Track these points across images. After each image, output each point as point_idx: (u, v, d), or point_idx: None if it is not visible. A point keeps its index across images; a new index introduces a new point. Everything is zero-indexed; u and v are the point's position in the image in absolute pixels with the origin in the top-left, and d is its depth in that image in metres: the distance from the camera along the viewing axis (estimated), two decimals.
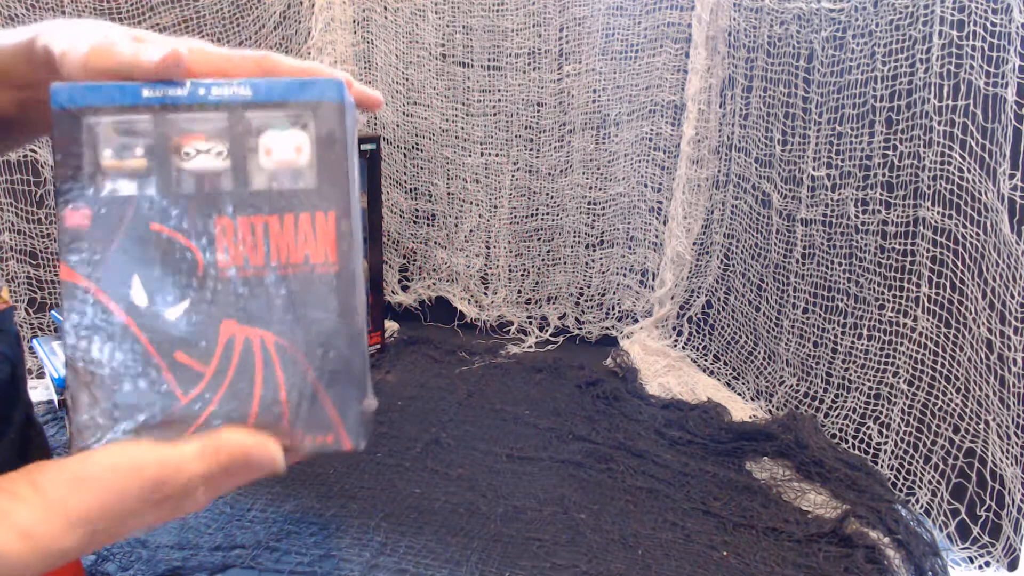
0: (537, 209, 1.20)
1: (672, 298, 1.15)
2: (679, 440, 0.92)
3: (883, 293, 0.86)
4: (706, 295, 1.13)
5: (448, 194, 1.23)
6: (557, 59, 1.14)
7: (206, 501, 0.40)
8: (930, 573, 0.72)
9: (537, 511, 0.80)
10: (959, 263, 0.77)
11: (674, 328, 1.16)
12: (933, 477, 0.80)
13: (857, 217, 0.87)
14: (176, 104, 0.39)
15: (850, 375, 0.91)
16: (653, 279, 1.18)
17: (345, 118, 0.39)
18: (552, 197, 1.19)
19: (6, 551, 0.34)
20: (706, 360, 1.12)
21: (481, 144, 1.19)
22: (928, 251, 0.80)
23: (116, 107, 0.39)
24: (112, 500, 0.36)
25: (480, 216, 1.22)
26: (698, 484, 0.84)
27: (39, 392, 1.01)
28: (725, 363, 1.09)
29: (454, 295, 1.26)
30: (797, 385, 0.97)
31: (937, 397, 0.81)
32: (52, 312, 1.05)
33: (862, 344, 0.89)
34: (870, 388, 0.88)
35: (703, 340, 1.13)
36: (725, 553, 0.74)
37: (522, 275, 1.24)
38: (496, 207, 1.21)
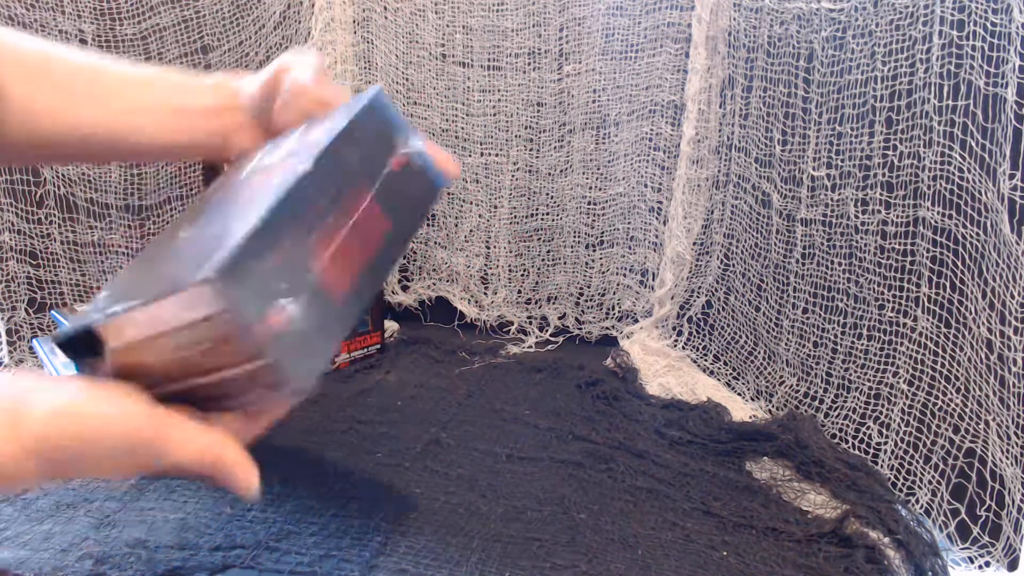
0: (537, 209, 1.20)
1: (672, 298, 1.15)
2: (679, 440, 0.92)
3: (883, 293, 0.86)
4: (706, 295, 1.13)
5: (448, 194, 1.23)
6: (557, 59, 1.14)
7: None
8: (930, 573, 0.72)
9: (537, 511, 0.80)
10: (959, 263, 0.77)
11: (674, 328, 1.16)
12: (933, 477, 0.80)
13: (857, 217, 0.87)
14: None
15: (850, 375, 0.91)
16: (653, 279, 1.18)
17: None
18: (552, 197, 1.19)
19: None
20: (706, 360, 1.12)
21: (481, 144, 1.19)
22: (928, 251, 0.80)
23: None
24: (83, 447, 0.36)
25: (480, 216, 1.22)
26: (698, 484, 0.84)
27: None
28: (725, 363, 1.09)
29: (454, 295, 1.26)
30: (797, 385, 0.97)
31: (937, 397, 0.81)
32: (52, 312, 1.05)
33: (862, 344, 0.89)
34: (870, 388, 0.88)
35: (703, 340, 1.13)
36: (725, 553, 0.74)
37: (522, 275, 1.24)
38: (496, 207, 1.21)
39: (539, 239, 1.22)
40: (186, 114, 0.57)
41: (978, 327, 0.75)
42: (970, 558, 0.75)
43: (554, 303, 1.24)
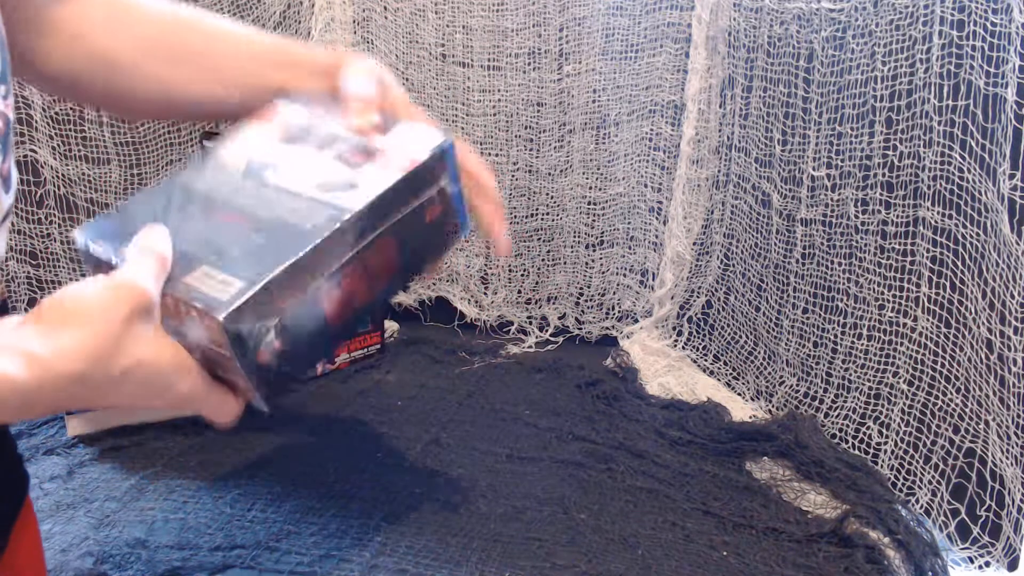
0: (537, 209, 1.20)
1: (672, 298, 1.15)
2: (679, 440, 0.92)
3: (883, 293, 0.86)
4: (706, 295, 1.13)
5: None
6: (557, 59, 1.14)
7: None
8: (930, 573, 0.72)
9: (537, 511, 0.80)
10: (959, 263, 0.77)
11: (674, 328, 1.16)
12: (933, 477, 0.80)
13: (857, 217, 0.87)
14: None
15: (850, 375, 0.91)
16: (653, 279, 1.18)
17: None
18: (552, 197, 1.19)
19: (16, 377, 0.35)
20: (706, 360, 1.12)
21: (481, 144, 1.19)
22: (928, 251, 0.80)
23: None
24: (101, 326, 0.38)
25: None
26: (698, 484, 0.84)
27: None
28: (725, 363, 1.09)
29: (454, 295, 1.26)
30: (797, 385, 0.97)
31: (937, 397, 0.81)
32: None
33: (862, 344, 0.89)
34: (870, 388, 0.88)
35: (703, 340, 1.13)
36: (725, 553, 0.74)
37: (522, 275, 1.24)
38: None
39: (539, 239, 1.22)
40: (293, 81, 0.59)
41: (978, 327, 0.75)
42: (970, 558, 0.75)
43: (554, 303, 1.24)
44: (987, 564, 0.74)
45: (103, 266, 0.46)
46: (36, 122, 1.03)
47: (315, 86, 0.58)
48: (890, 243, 0.84)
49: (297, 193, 0.49)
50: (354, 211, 0.47)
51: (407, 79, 1.19)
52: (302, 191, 0.49)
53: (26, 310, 1.06)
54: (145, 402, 0.41)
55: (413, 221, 0.52)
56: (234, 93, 0.57)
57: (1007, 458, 0.72)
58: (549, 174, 1.18)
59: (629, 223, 1.19)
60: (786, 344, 0.98)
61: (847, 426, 0.90)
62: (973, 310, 0.76)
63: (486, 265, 1.24)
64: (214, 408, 0.44)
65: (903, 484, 0.83)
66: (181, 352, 0.42)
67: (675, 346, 1.15)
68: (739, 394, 1.05)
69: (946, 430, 0.79)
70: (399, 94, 0.58)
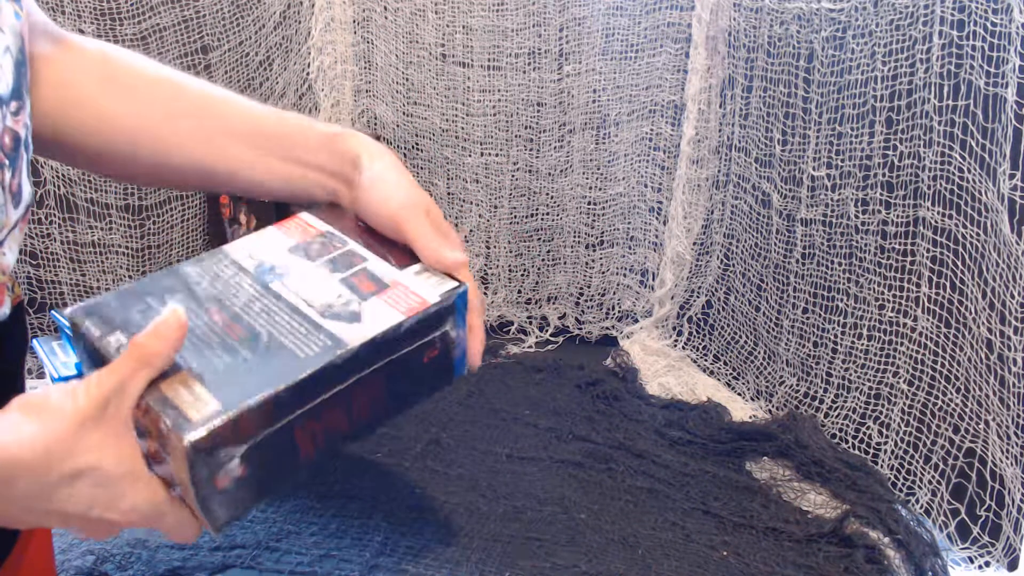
0: (537, 209, 1.20)
1: (672, 298, 1.15)
2: (679, 440, 0.92)
3: (883, 293, 0.86)
4: (706, 295, 1.13)
5: (448, 194, 1.23)
6: (557, 59, 1.14)
7: None
8: (930, 573, 0.72)
9: (537, 511, 0.80)
10: (959, 263, 0.77)
11: (674, 328, 1.16)
12: (933, 477, 0.80)
13: (857, 217, 0.87)
14: None
15: (850, 375, 0.91)
16: (653, 279, 1.18)
17: None
18: (552, 197, 1.19)
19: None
20: (706, 360, 1.12)
21: (481, 144, 1.19)
22: (928, 251, 0.80)
23: None
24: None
25: (480, 216, 1.22)
26: (698, 484, 0.84)
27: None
28: (725, 363, 1.09)
29: None
30: (797, 385, 0.97)
31: (937, 397, 0.81)
32: (52, 312, 1.05)
33: (862, 344, 0.89)
34: (870, 388, 0.88)
35: (703, 340, 1.13)
36: (725, 553, 0.74)
37: (522, 275, 1.24)
38: (496, 207, 1.21)
39: (539, 239, 1.22)
40: (301, 170, 0.57)
41: (978, 327, 0.75)
42: (970, 558, 0.75)
43: (554, 303, 1.24)
44: (987, 564, 0.74)
45: (87, 344, 0.45)
46: None
47: (313, 159, 0.57)
48: (890, 243, 0.84)
49: (299, 311, 0.48)
50: (351, 347, 0.46)
51: (407, 79, 1.19)
52: (305, 310, 0.48)
53: (27, 310, 1.07)
54: (100, 512, 0.40)
55: (408, 361, 0.51)
56: (228, 167, 0.56)
57: (1007, 458, 0.72)
58: (549, 174, 1.18)
59: (629, 223, 1.19)
60: (786, 344, 0.98)
61: (847, 426, 0.90)
62: (973, 310, 0.76)
63: (486, 265, 1.24)
64: (172, 527, 0.43)
65: (903, 484, 0.83)
66: (135, 462, 0.41)
67: (675, 346, 1.15)
68: (739, 394, 1.05)
69: (946, 430, 0.79)
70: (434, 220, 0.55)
